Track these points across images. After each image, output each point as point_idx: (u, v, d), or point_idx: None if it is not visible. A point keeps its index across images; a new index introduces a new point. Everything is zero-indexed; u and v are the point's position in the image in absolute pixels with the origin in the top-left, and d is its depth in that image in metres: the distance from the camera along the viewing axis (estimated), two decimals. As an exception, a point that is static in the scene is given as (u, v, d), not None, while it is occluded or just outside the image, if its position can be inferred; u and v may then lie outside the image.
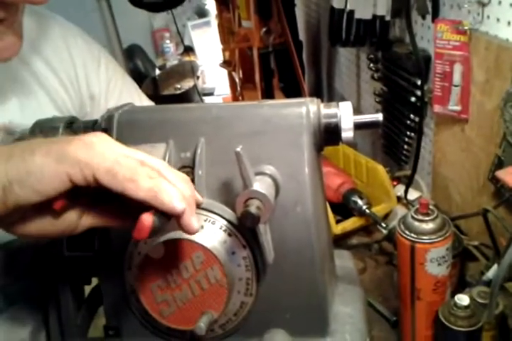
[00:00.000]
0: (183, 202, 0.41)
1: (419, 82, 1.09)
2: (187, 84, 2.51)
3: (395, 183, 1.14)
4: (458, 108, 1.00)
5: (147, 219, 0.41)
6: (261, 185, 0.48)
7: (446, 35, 0.98)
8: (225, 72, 1.95)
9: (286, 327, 0.52)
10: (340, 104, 0.58)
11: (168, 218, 0.42)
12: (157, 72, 2.77)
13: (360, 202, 1.02)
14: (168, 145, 0.54)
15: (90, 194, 0.44)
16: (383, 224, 0.97)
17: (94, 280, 0.59)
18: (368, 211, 1.01)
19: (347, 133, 0.57)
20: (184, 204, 0.41)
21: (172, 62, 2.97)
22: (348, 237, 1.06)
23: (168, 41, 3.07)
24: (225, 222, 0.51)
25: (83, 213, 0.44)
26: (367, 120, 0.59)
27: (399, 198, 1.09)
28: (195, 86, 2.34)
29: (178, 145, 0.54)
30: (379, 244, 1.00)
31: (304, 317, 0.52)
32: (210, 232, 0.51)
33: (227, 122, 0.54)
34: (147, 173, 0.41)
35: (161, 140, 0.54)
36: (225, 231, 0.51)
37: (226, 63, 1.77)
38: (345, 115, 0.57)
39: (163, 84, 2.49)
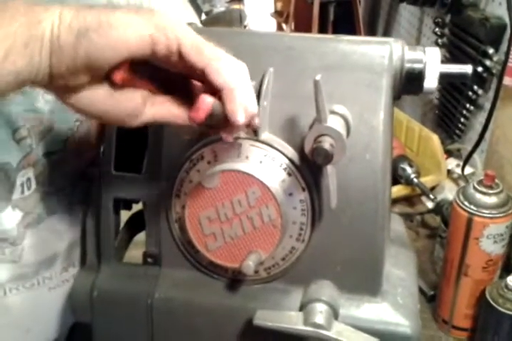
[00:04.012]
0: (245, 115, 0.38)
1: (491, 51, 1.01)
2: (232, 33, 2.41)
3: (445, 156, 1.07)
4: (531, 83, 0.93)
5: (207, 99, 0.37)
6: (334, 123, 0.44)
7: (534, 1, 0.90)
8: (273, 24, 1.87)
9: (334, 280, 0.48)
10: (427, 49, 0.53)
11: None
12: (203, 17, 2.68)
13: (409, 169, 0.97)
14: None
15: (155, 78, 0.40)
16: (431, 196, 0.91)
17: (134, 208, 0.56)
18: (415, 180, 0.95)
19: (430, 82, 0.52)
20: (244, 119, 0.38)
21: (219, 8, 2.87)
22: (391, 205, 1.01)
23: (216, -14, 2.97)
24: (286, 160, 0.47)
25: (147, 99, 0.39)
26: (455, 71, 0.54)
27: (448, 172, 1.03)
28: (241, 35, 2.25)
29: (244, 72, 0.49)
30: (422, 216, 0.95)
31: (356, 272, 0.48)
32: (269, 169, 0.46)
33: (300, 54, 0.50)
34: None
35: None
36: (284, 169, 0.47)
37: (278, 13, 1.69)
38: (431, 62, 0.52)
39: (208, 31, 2.40)
